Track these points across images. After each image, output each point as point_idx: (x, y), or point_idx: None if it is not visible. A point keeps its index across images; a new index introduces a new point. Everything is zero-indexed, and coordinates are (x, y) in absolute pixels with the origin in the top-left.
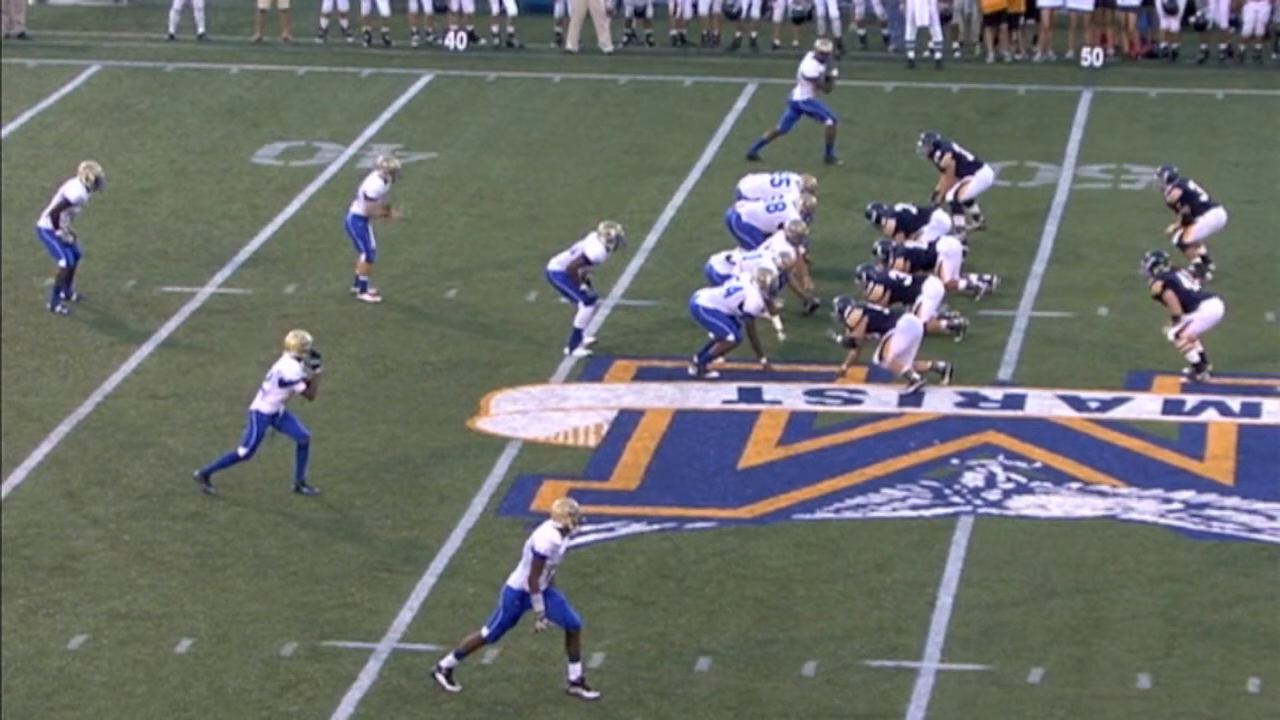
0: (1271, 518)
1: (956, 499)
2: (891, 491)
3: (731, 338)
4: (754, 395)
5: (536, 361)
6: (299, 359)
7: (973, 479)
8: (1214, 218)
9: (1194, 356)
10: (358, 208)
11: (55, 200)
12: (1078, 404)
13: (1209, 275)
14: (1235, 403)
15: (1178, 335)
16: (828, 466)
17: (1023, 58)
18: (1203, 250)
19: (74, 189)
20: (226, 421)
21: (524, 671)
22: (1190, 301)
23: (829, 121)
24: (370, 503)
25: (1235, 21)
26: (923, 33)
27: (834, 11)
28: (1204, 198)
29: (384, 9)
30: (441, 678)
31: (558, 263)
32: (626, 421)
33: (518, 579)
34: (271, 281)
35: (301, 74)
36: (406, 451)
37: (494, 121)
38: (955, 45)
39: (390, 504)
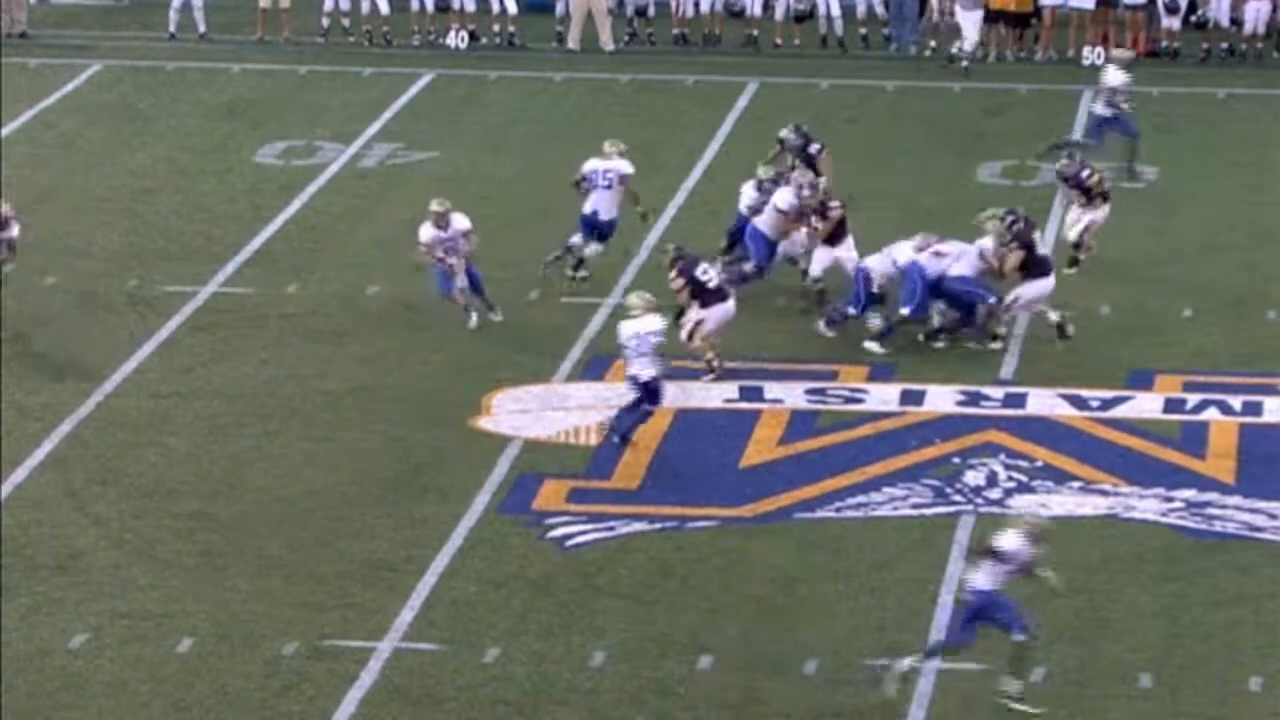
0: (1273, 516)
1: (958, 498)
2: (893, 490)
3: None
4: (755, 394)
5: (538, 361)
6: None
7: (974, 478)
8: (1043, 286)
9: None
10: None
11: None
12: (1079, 403)
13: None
14: (1237, 401)
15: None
16: (829, 465)
17: (1024, 57)
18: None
19: None
20: (228, 420)
21: (525, 671)
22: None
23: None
24: (372, 501)
25: (1236, 20)
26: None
27: (835, 10)
28: (1041, 255)
29: (385, 8)
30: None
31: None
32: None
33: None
34: (273, 280)
35: (303, 73)
36: (408, 450)
37: (495, 121)
38: (957, 43)
39: (392, 503)
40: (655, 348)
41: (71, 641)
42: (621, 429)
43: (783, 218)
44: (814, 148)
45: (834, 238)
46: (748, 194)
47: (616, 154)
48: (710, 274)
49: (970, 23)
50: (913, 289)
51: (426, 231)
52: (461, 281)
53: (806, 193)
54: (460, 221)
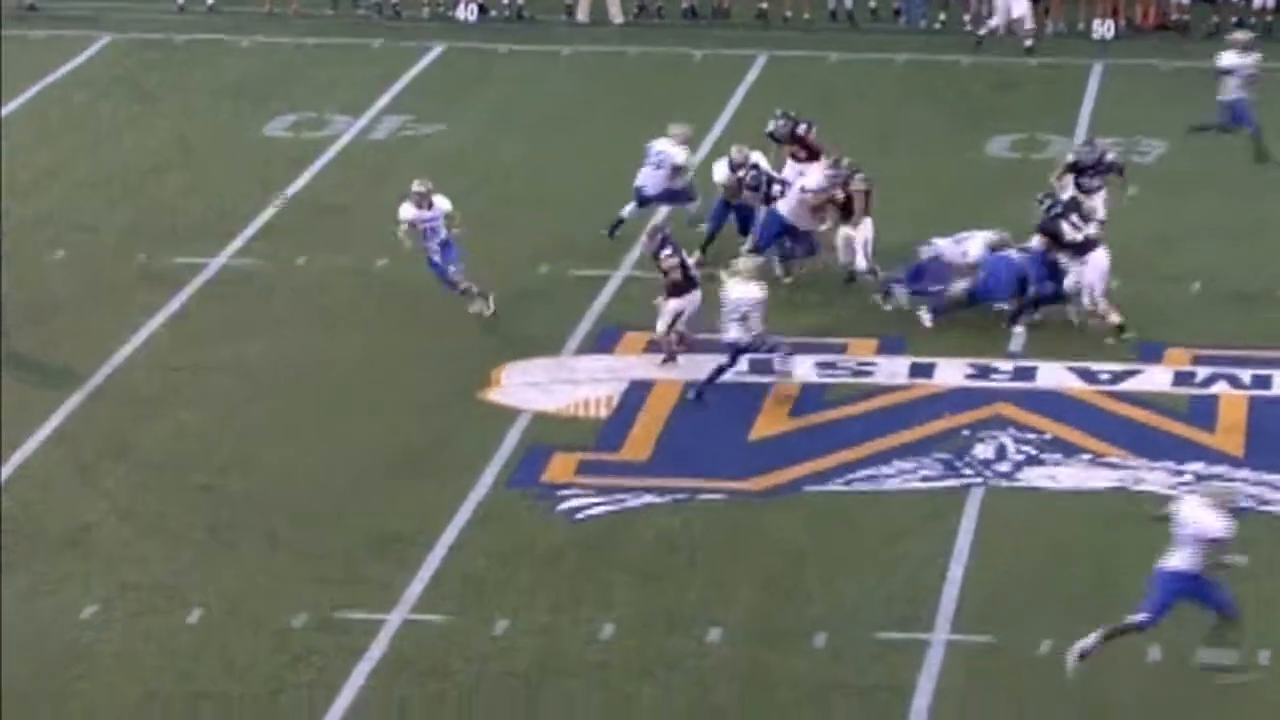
0: None
1: (967, 471)
2: (902, 463)
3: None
4: (764, 367)
5: (547, 334)
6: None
7: (983, 451)
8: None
9: None
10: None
11: None
12: (1088, 376)
13: None
14: (1246, 375)
15: None
16: (839, 438)
17: (1034, 30)
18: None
19: None
20: (238, 394)
21: (534, 643)
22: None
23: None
24: (381, 475)
25: None
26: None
27: None
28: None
29: None
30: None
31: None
32: (637, 393)
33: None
34: (282, 253)
35: (312, 46)
36: (417, 424)
37: (505, 94)
38: (964, 17)
39: (401, 476)
40: (748, 313)
41: (82, 613)
42: (698, 387)
43: (809, 198)
44: (802, 127)
45: (851, 214)
46: (720, 171)
47: (677, 140)
48: (690, 261)
49: (1020, 5)
50: (998, 278)
51: (407, 210)
52: (437, 256)
53: (831, 172)
54: (442, 203)
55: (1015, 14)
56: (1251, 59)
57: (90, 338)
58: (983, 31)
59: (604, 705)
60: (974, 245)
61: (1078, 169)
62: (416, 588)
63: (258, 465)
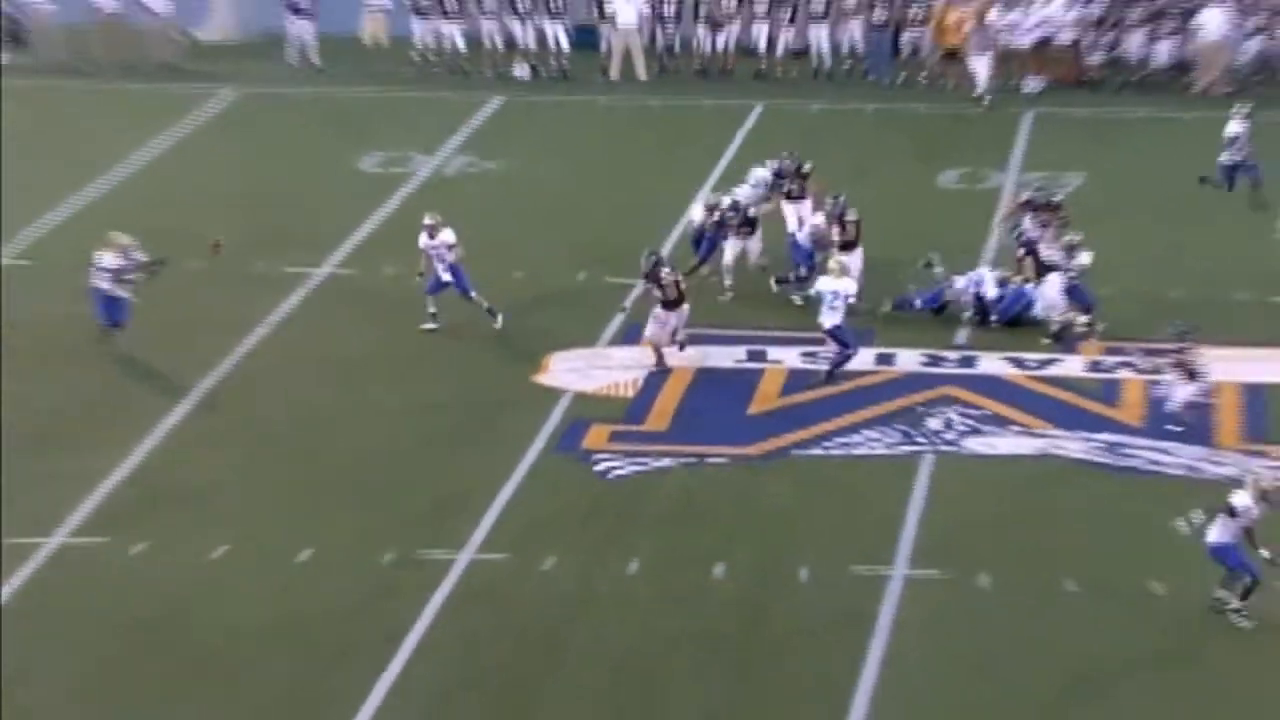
0: (1174, 454)
1: (921, 439)
2: (870, 433)
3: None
4: (760, 356)
5: (585, 329)
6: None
7: (934, 423)
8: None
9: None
10: None
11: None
12: (1019, 364)
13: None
14: (1144, 363)
15: None
16: (820, 413)
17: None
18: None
19: (107, 258)
20: (335, 377)
21: (574, 578)
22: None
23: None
24: (453, 442)
25: (1147, 56)
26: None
27: (825, 49)
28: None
29: (462, 45)
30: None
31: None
32: (658, 377)
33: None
34: (373, 264)
35: (397, 98)
36: (481, 400)
37: (551, 136)
38: (920, 75)
39: (468, 443)
40: (842, 303)
41: (212, 554)
42: (830, 367)
43: (817, 229)
44: (806, 166)
45: (848, 245)
46: (697, 213)
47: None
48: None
49: (981, 66)
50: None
51: (422, 239)
52: (446, 277)
53: (829, 204)
54: (447, 235)
55: (981, 75)
56: (1247, 126)
57: (219, 331)
58: (986, 99)
59: (630, 629)
60: (989, 287)
61: (1032, 207)
62: (480, 533)
63: (352, 435)
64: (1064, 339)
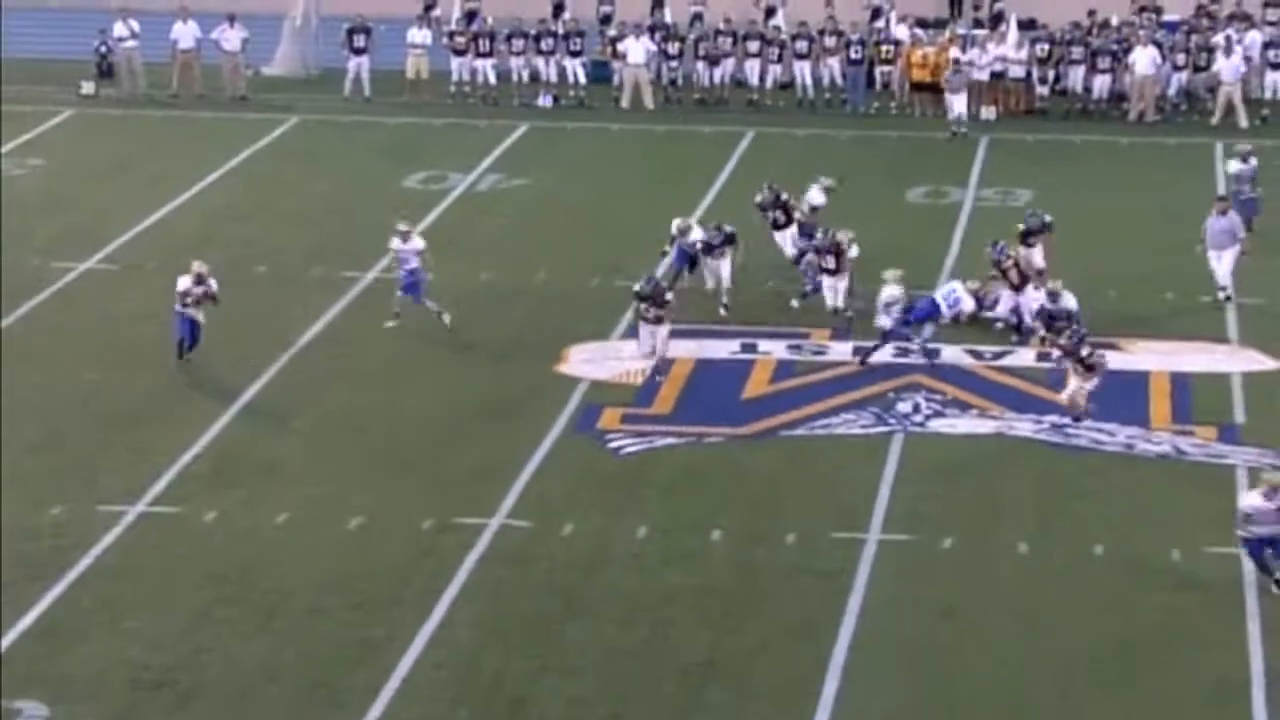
0: (1113, 434)
1: (892, 421)
2: (848, 415)
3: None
4: (752, 348)
5: (599, 325)
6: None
7: (904, 407)
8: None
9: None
10: None
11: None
12: (978, 355)
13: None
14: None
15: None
16: (805, 398)
17: (940, 114)
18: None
19: (182, 282)
20: (383, 365)
21: (591, 541)
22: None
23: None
24: (484, 423)
25: (1088, 88)
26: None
27: (808, 81)
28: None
29: (493, 79)
30: None
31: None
32: (663, 366)
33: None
34: None
35: (437, 124)
36: (509, 387)
37: (571, 157)
38: (891, 105)
39: (498, 424)
40: (891, 306)
41: (276, 519)
42: (863, 353)
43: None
44: (784, 195)
45: (838, 271)
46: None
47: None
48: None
49: (957, 101)
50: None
51: (394, 241)
52: (405, 281)
53: (820, 236)
54: (416, 242)
55: (956, 110)
56: (1250, 165)
57: (281, 328)
58: (959, 130)
59: (639, 585)
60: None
61: (1027, 233)
62: (509, 501)
63: (398, 414)
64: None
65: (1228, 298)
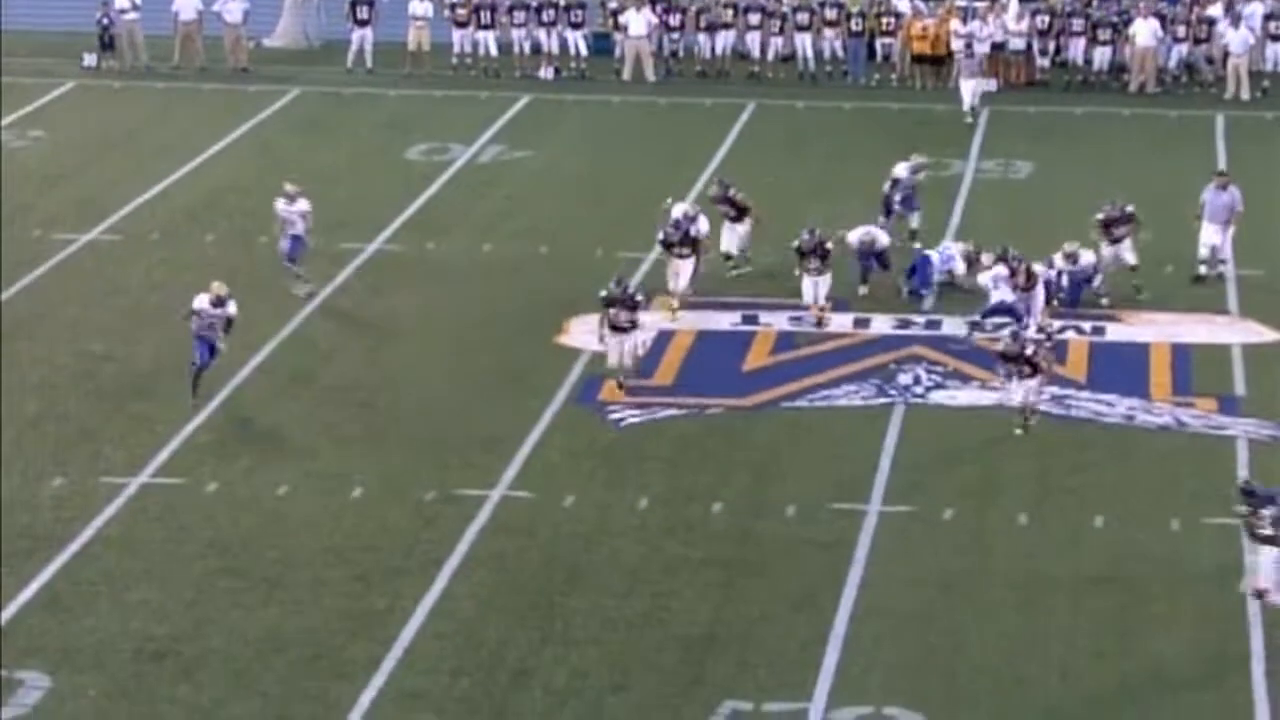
0: (1113, 405)
1: (893, 392)
2: (849, 387)
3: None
4: (753, 320)
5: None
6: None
7: (904, 379)
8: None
9: None
10: None
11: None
12: (979, 327)
13: None
14: (1088, 325)
15: None
16: (805, 370)
17: (940, 86)
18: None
19: (199, 300)
20: (385, 338)
21: (592, 512)
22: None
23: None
24: (486, 394)
25: (1088, 60)
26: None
27: (809, 54)
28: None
29: (495, 51)
30: None
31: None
32: (664, 338)
33: None
34: (417, 240)
35: (438, 96)
36: (510, 359)
37: (572, 129)
38: (892, 77)
39: (499, 395)
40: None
41: (278, 490)
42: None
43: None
44: (732, 191)
45: (822, 271)
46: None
47: (908, 169)
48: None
49: (967, 89)
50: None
51: (279, 203)
52: (285, 245)
53: (806, 236)
54: (303, 204)
55: (970, 93)
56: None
57: (284, 297)
58: (968, 119)
59: (640, 556)
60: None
61: (1107, 224)
62: (510, 472)
63: (400, 386)
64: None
65: (1220, 274)
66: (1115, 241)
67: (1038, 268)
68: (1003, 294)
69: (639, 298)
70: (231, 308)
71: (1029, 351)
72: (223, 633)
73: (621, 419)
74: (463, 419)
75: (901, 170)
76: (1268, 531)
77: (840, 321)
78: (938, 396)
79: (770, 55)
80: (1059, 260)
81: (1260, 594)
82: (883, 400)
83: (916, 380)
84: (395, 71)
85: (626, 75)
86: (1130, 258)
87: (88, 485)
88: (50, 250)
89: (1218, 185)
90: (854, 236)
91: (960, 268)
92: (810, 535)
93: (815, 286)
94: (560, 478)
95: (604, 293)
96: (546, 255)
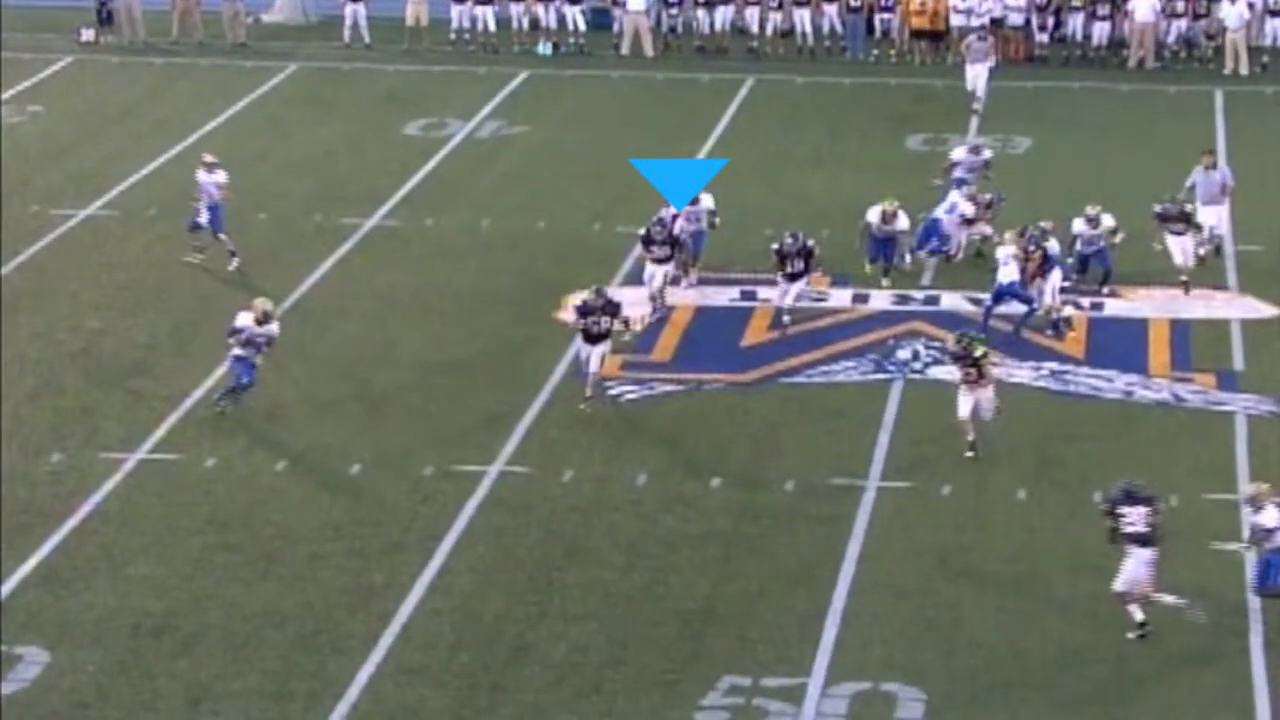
0: (1111, 381)
1: (891, 368)
2: (847, 362)
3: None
4: (751, 295)
5: (600, 272)
6: None
7: (903, 354)
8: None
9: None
10: None
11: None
12: (977, 302)
13: None
14: (1086, 302)
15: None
16: (803, 345)
17: (938, 61)
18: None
19: (242, 318)
20: (384, 313)
21: (590, 487)
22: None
23: None
24: (484, 370)
25: (1087, 36)
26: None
27: (808, 29)
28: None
29: (493, 26)
30: None
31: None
32: (663, 313)
33: None
34: (416, 216)
35: (437, 71)
36: (509, 334)
37: (571, 105)
38: (890, 53)
39: (497, 370)
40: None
41: (277, 466)
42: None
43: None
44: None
45: (802, 274)
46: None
47: (967, 150)
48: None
49: (973, 75)
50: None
51: (200, 173)
52: (203, 218)
53: (789, 240)
54: (220, 176)
55: (982, 82)
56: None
57: (283, 273)
58: (975, 106)
59: (639, 531)
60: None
61: (1164, 217)
62: (509, 447)
63: (398, 362)
64: (1058, 329)
65: (1218, 249)
66: (1177, 235)
67: (1051, 243)
68: (1011, 273)
69: (617, 303)
70: (275, 327)
71: (978, 354)
72: (221, 608)
73: (620, 394)
74: (461, 394)
75: (960, 153)
76: (1142, 531)
77: (839, 297)
78: (936, 372)
79: (769, 30)
80: (1078, 224)
81: (1124, 598)
82: (881, 375)
83: (915, 355)
84: (394, 47)
85: (625, 50)
86: (1191, 252)
87: (86, 461)
88: (48, 226)
89: (1206, 166)
90: (873, 215)
91: (968, 209)
92: (809, 510)
93: (786, 294)
94: (558, 453)
95: (580, 301)
96: (544, 230)
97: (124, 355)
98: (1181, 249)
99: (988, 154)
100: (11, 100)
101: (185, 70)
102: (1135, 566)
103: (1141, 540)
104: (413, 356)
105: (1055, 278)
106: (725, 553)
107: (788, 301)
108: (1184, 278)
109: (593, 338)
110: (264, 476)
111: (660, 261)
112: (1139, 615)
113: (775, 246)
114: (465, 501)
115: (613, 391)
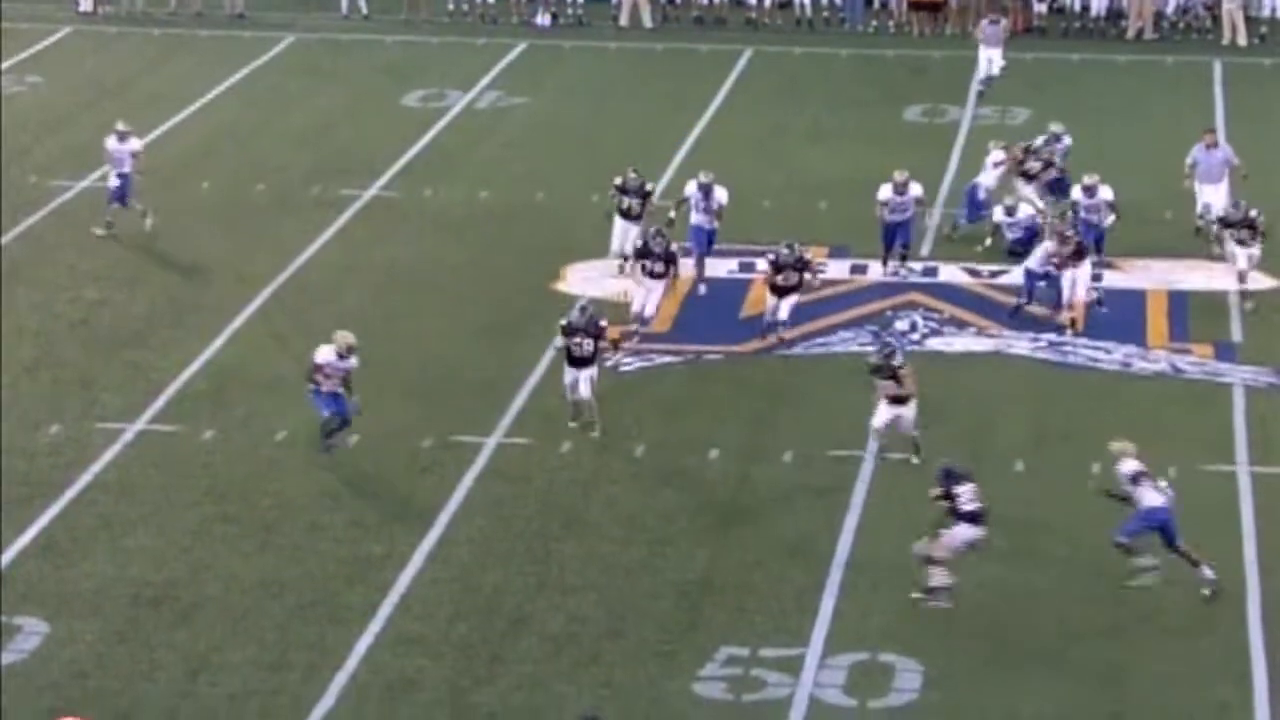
0: (1109, 352)
1: (889, 339)
2: (845, 334)
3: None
4: (750, 267)
5: (599, 243)
6: None
7: (901, 325)
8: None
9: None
10: None
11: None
12: (975, 273)
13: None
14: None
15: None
16: (802, 316)
17: (937, 32)
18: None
19: (323, 353)
20: (382, 286)
21: (589, 458)
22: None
23: None
24: (484, 342)
25: (1085, 7)
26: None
27: (807, 0)
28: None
29: None
30: None
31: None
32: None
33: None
34: (414, 187)
35: (435, 42)
36: (508, 306)
37: (569, 76)
38: (889, 24)
39: (497, 341)
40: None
41: (276, 436)
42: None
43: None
44: (648, 185)
45: (795, 289)
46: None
47: (999, 149)
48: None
49: (986, 59)
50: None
51: (110, 141)
52: (114, 184)
53: (785, 251)
54: (134, 144)
55: (996, 64)
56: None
57: (281, 245)
58: (980, 88)
59: (637, 503)
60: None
61: (1227, 224)
62: (507, 419)
63: (397, 334)
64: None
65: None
66: (1241, 245)
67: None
68: (1037, 259)
69: (603, 324)
70: (354, 360)
71: (896, 363)
72: (220, 578)
73: (620, 365)
74: (460, 366)
75: (1075, 193)
76: (978, 509)
77: (837, 268)
78: (934, 343)
79: (767, 2)
80: (1076, 192)
81: (929, 560)
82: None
83: (913, 327)
84: (392, 17)
85: (624, 21)
86: (1251, 259)
87: (85, 431)
88: (47, 196)
89: (1207, 144)
90: (885, 191)
91: (1000, 156)
92: (807, 482)
93: (777, 309)
94: (557, 424)
95: (565, 320)
96: (543, 202)
97: (122, 326)
98: (1248, 256)
99: (1067, 140)
100: (10, 70)
101: (183, 41)
102: (957, 537)
103: (973, 518)
104: (411, 327)
105: (1086, 269)
106: (723, 524)
107: (782, 315)
108: (1244, 285)
109: (577, 361)
110: (263, 447)
111: (655, 277)
112: (936, 581)
113: (770, 257)
114: (464, 473)
115: (611, 363)
